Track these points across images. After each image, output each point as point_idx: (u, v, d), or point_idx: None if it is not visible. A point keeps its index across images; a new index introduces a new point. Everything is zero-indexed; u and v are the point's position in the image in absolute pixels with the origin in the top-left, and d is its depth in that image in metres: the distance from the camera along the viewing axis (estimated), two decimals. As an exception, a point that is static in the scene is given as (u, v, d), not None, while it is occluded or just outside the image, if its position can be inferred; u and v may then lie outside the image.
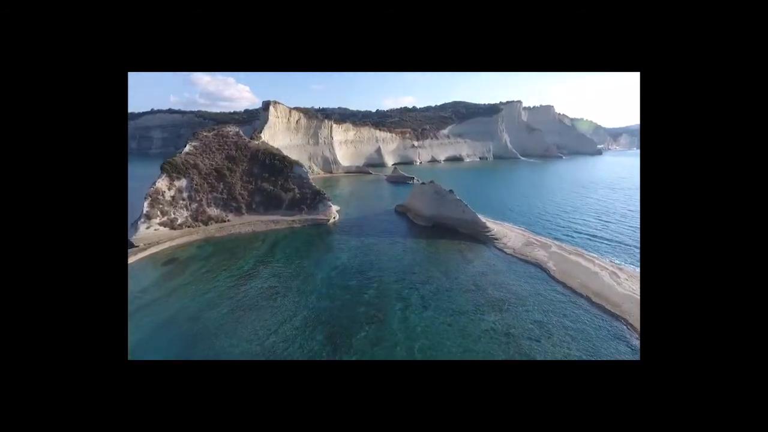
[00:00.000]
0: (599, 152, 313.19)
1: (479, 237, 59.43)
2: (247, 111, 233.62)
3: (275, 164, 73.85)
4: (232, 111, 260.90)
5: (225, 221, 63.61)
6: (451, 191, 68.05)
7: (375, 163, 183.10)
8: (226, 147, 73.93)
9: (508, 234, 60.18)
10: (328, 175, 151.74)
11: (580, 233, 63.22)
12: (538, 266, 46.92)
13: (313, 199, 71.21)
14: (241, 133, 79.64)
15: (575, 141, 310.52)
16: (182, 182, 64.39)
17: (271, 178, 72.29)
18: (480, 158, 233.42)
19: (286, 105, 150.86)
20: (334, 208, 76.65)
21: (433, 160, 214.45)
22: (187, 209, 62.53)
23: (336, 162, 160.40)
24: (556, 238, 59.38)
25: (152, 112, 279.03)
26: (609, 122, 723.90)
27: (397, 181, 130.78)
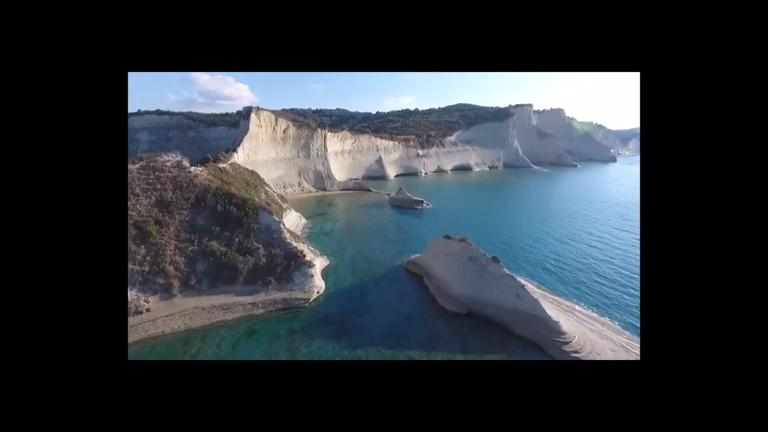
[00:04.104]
0: (613, 159, 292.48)
1: (549, 348, 36.54)
2: (239, 113, 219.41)
3: (231, 211, 50.29)
4: (223, 112, 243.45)
5: (142, 312, 40.33)
6: (495, 258, 44.86)
7: (376, 176, 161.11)
8: (159, 186, 50.02)
9: (597, 344, 37.17)
10: (320, 193, 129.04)
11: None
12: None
13: (287, 265, 47.59)
14: (184, 162, 55.18)
15: (587, 146, 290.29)
16: (78, 248, 41.10)
17: (225, 234, 48.59)
18: (490, 167, 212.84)
19: (271, 111, 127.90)
20: (320, 266, 53.66)
21: (440, 170, 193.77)
22: (81, 295, 39.32)
23: (330, 177, 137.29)
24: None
25: (139, 113, 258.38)
26: (617, 125, 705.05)
27: (403, 205, 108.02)
